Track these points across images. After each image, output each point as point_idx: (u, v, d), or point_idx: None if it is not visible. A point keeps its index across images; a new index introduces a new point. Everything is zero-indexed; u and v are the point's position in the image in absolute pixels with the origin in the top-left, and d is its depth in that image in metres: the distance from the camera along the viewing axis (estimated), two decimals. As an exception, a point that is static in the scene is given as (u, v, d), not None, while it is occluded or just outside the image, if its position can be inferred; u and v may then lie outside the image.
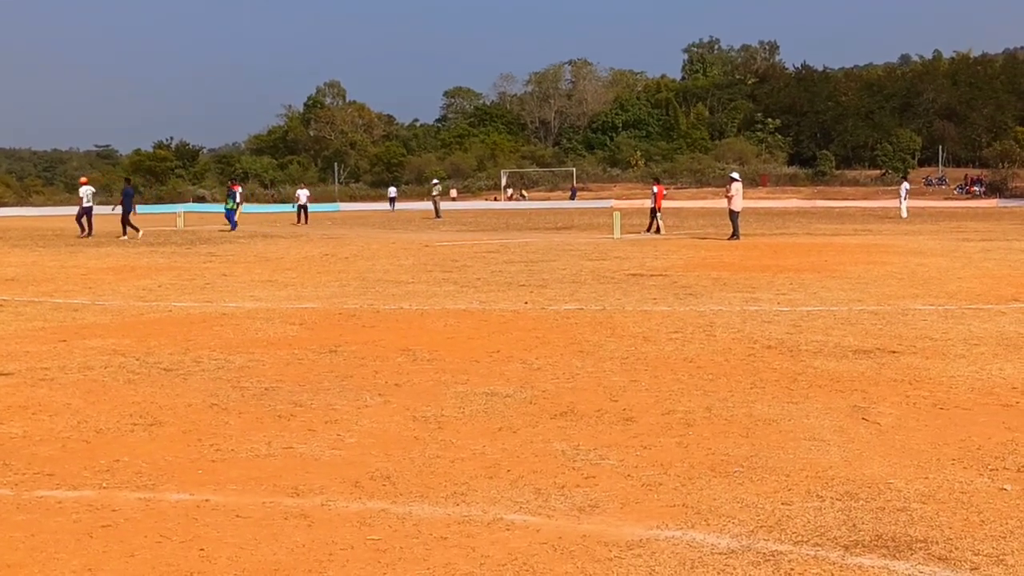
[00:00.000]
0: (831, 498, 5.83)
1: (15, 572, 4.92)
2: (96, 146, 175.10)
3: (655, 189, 35.72)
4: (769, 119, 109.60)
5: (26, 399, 8.78)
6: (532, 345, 11.31)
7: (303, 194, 50.82)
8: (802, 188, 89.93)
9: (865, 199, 76.89)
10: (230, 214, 42.35)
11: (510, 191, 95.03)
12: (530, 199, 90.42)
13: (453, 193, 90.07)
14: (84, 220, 36.05)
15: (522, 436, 7.32)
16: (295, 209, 51.10)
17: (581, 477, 6.31)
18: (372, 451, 6.97)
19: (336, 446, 7.12)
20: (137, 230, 35.47)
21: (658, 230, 34.63)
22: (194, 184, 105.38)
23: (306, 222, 48.14)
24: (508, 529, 5.41)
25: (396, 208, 73.56)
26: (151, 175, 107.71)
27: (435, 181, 64.38)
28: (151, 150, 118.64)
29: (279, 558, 5.04)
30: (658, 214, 35.16)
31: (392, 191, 79.23)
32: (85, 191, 36.93)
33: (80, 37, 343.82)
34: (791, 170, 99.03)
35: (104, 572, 4.92)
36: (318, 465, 6.66)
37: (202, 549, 5.17)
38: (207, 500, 5.95)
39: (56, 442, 7.32)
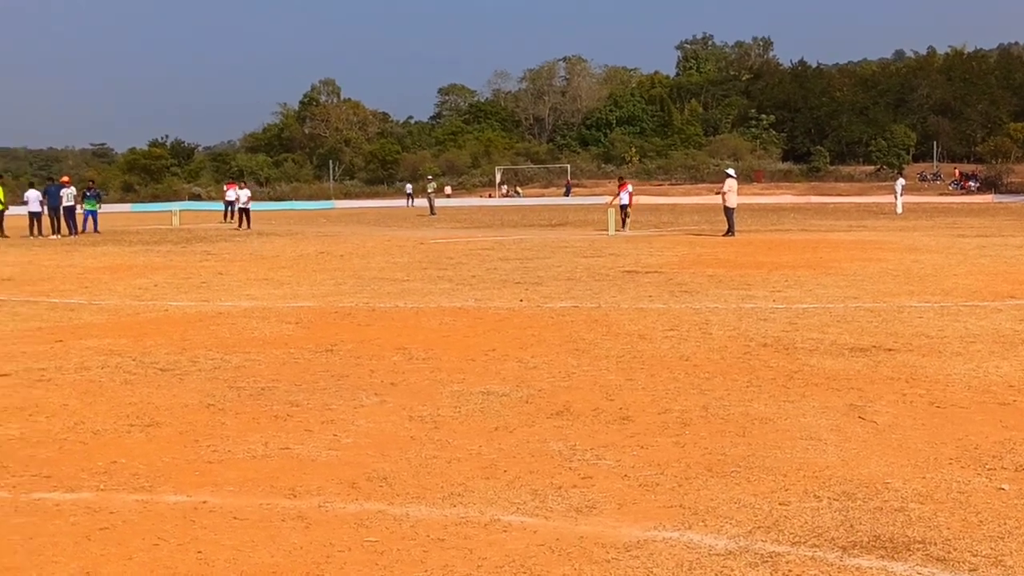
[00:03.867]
0: (828, 498, 5.83)
1: (13, 575, 4.92)
2: (91, 144, 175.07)
3: (630, 188, 35.88)
4: (763, 115, 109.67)
5: (23, 400, 8.77)
6: (528, 343, 11.31)
7: (244, 195, 44.29)
8: (796, 184, 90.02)
9: (860, 195, 76.95)
10: (93, 214, 39.55)
11: (505, 188, 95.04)
12: (524, 196, 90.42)
13: (448, 190, 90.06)
14: (68, 219, 36.32)
15: (518, 436, 7.32)
16: (235, 209, 45.86)
17: (578, 477, 6.31)
18: (368, 451, 6.97)
19: (333, 446, 7.11)
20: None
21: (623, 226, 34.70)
22: (189, 182, 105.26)
23: (248, 226, 41.69)
24: (505, 530, 5.41)
25: (414, 204, 74.11)
26: (146, 173, 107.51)
27: (430, 178, 64.45)
28: (146, 148, 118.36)
29: (277, 560, 5.04)
30: (627, 210, 35.11)
31: (409, 187, 79.76)
32: (67, 191, 36.95)
33: (75, 35, 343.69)
34: (785, 166, 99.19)
35: (102, 575, 4.91)
36: (315, 466, 6.65)
37: (200, 551, 5.17)
38: (204, 502, 5.94)
39: (53, 444, 7.31)
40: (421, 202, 66.20)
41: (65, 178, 40.16)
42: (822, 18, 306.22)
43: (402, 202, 79.09)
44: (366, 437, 7.36)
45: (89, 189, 41.58)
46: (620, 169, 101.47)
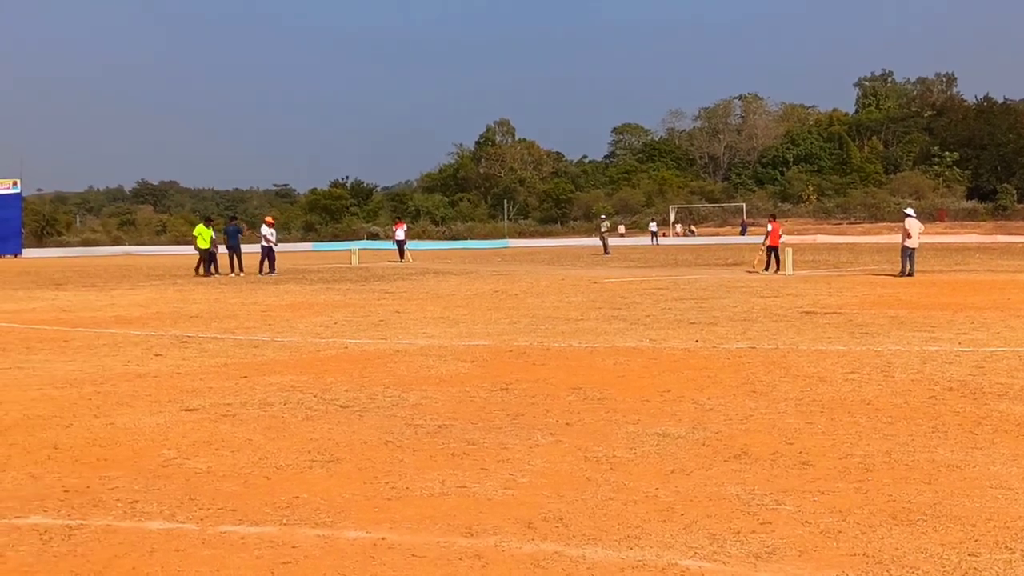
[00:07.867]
0: (1021, 550, 5.60)
1: (201, 606, 5.06)
2: (275, 185, 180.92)
3: (769, 227, 35.16)
4: (947, 152, 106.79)
5: (210, 434, 9.05)
6: (703, 385, 11.19)
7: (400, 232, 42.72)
8: (982, 223, 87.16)
9: (1050, 234, 74.05)
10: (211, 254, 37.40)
11: (679, 227, 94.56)
12: (699, 235, 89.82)
13: (621, 229, 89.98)
14: (265, 259, 37.25)
15: (695, 479, 7.24)
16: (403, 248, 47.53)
17: (757, 522, 6.20)
18: (544, 491, 6.97)
19: (508, 486, 7.14)
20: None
21: (767, 268, 34.09)
22: (368, 221, 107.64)
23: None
24: (683, 575, 5.35)
25: (659, 242, 76.22)
26: (327, 213, 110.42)
27: (603, 217, 64.52)
28: (327, 188, 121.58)
29: (454, 599, 5.07)
30: (775, 251, 34.47)
31: (653, 225, 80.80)
32: (268, 230, 38.11)
33: (260, 83, 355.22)
34: (970, 204, 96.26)
35: (285, 608, 5.02)
36: (491, 505, 6.69)
37: (379, 587, 5.24)
38: (383, 538, 6.03)
39: (238, 478, 7.52)
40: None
41: (269, 218, 41.30)
42: (1009, 52, 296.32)
43: (583, 240, 79.04)
44: (542, 477, 7.37)
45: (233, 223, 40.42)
46: (797, 208, 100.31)
